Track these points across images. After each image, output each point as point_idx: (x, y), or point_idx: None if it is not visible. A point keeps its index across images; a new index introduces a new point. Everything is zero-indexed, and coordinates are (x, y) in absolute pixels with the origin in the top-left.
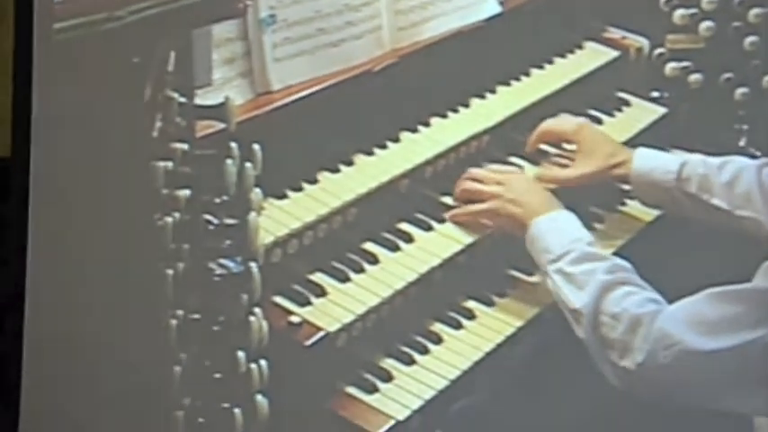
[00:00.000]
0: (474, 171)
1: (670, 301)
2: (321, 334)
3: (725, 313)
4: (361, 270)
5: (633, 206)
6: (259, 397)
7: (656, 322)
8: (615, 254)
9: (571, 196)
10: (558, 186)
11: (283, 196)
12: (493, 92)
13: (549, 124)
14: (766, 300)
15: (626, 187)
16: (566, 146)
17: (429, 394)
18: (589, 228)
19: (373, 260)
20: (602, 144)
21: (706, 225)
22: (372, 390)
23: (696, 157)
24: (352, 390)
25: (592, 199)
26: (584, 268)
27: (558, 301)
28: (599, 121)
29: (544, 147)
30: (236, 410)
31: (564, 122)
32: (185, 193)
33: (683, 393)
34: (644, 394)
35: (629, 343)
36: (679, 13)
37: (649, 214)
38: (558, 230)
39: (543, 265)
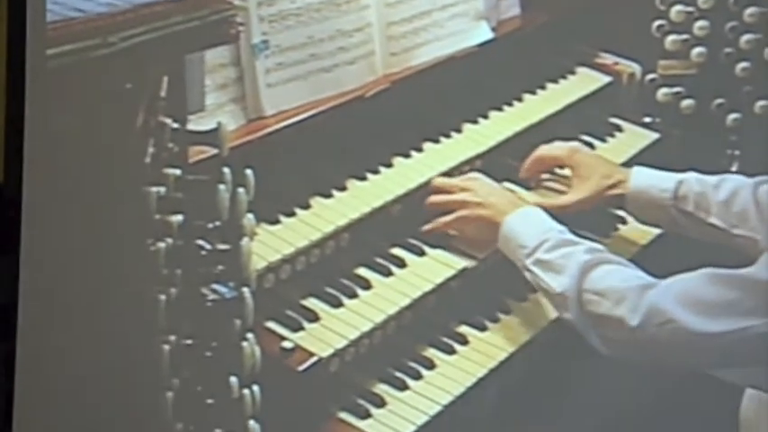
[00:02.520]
0: (437, 182)
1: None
2: (314, 359)
3: (722, 296)
4: (353, 295)
5: (628, 229)
6: (251, 422)
7: (646, 295)
8: None
9: (566, 222)
10: (556, 212)
11: (276, 221)
12: (485, 117)
13: (542, 150)
14: (764, 290)
15: (620, 213)
16: (558, 171)
17: (422, 420)
18: None
19: (366, 285)
20: (596, 166)
21: (702, 242)
22: (365, 415)
23: (692, 176)
24: (344, 415)
25: (587, 224)
26: (560, 252)
27: (539, 291)
28: (591, 147)
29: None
30: None
31: (557, 148)
32: (178, 218)
33: (675, 362)
34: (636, 361)
35: (619, 316)
36: (671, 38)
37: (644, 236)
38: (529, 225)
39: (520, 261)
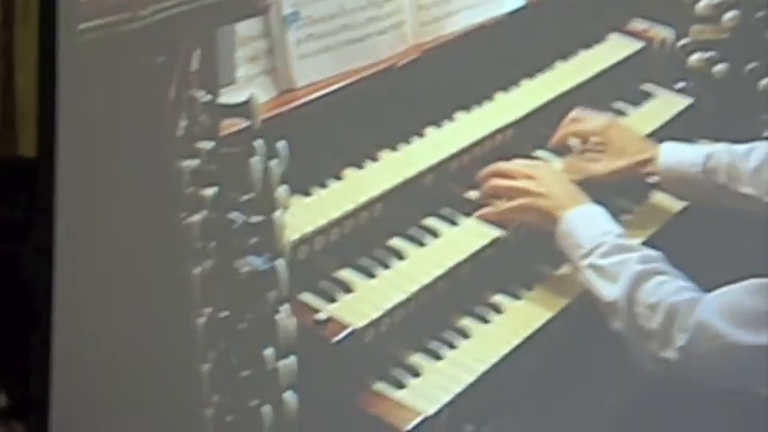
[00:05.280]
0: (501, 166)
1: (705, 291)
2: (348, 330)
3: (764, 306)
4: (387, 266)
5: (661, 196)
6: (288, 394)
7: (694, 311)
8: (645, 244)
9: (598, 189)
10: (585, 179)
11: (309, 193)
12: (517, 85)
13: (576, 122)
14: None
15: (653, 180)
16: (593, 139)
17: (458, 388)
18: (617, 219)
19: (399, 256)
20: (630, 142)
21: (736, 213)
22: (401, 385)
23: (721, 147)
24: (380, 386)
25: (619, 191)
26: (615, 260)
27: (592, 295)
28: (624, 113)
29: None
30: (265, 408)
31: (592, 120)
32: (211, 191)
33: (723, 380)
34: (683, 380)
35: (668, 332)
36: (703, 3)
37: (677, 204)
38: (587, 224)
39: (576, 260)
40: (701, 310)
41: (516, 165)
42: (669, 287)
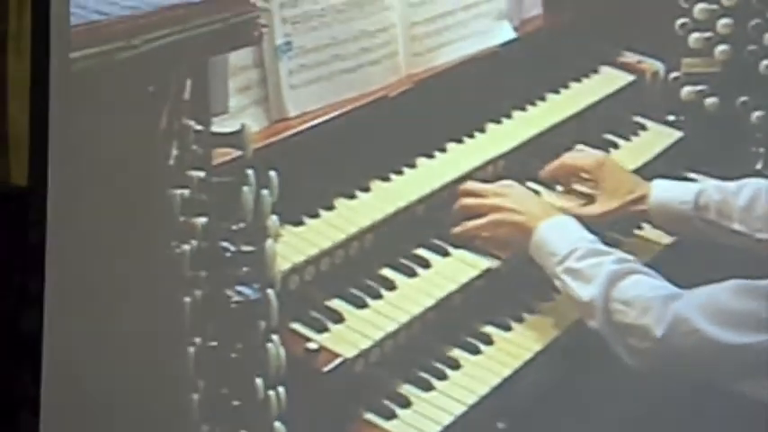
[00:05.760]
0: (469, 186)
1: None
2: (339, 360)
3: (746, 307)
4: (378, 296)
5: (650, 230)
6: (277, 424)
7: (672, 306)
8: None
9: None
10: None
11: (300, 223)
12: (509, 117)
13: (569, 158)
14: None
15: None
16: (583, 175)
17: (447, 420)
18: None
19: (390, 286)
20: (622, 181)
21: (727, 247)
22: (391, 416)
23: (711, 184)
24: (370, 416)
25: (609, 224)
26: (590, 262)
27: (569, 299)
28: (615, 146)
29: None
30: None
31: (585, 157)
32: (202, 220)
33: (700, 376)
34: (661, 372)
35: (645, 325)
36: (694, 36)
37: (667, 237)
38: (561, 233)
39: (551, 268)
40: (680, 305)
41: (485, 185)
42: (645, 284)
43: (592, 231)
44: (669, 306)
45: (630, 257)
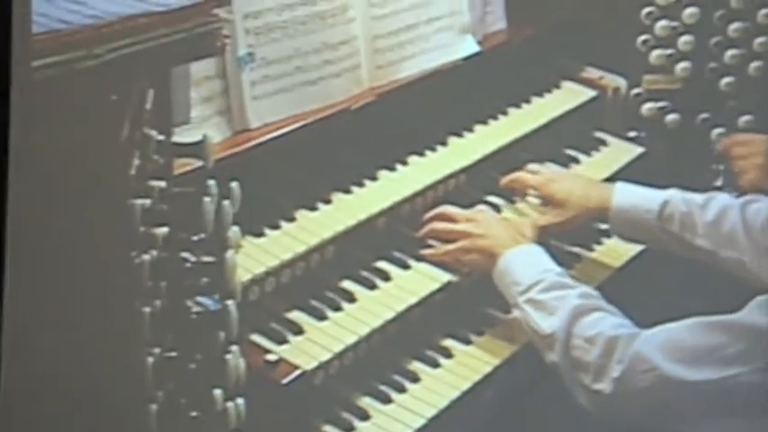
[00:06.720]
0: (444, 210)
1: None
2: (298, 372)
3: (706, 343)
4: (338, 308)
5: (610, 245)
6: None
7: (632, 345)
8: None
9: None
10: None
11: (261, 234)
12: (470, 130)
13: (517, 176)
14: (750, 335)
15: (603, 227)
16: (531, 192)
17: None
18: (566, 268)
19: (350, 298)
20: (571, 190)
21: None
22: (349, 428)
23: (678, 195)
24: (328, 428)
25: (568, 238)
26: (554, 295)
27: (528, 330)
28: (577, 161)
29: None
30: None
31: (532, 177)
32: (163, 230)
33: (657, 418)
34: (617, 417)
35: (604, 365)
36: (656, 53)
37: (626, 254)
38: (527, 263)
39: (513, 298)
40: (640, 343)
41: (458, 210)
42: (607, 322)
43: (550, 243)
44: (630, 346)
45: (595, 293)
